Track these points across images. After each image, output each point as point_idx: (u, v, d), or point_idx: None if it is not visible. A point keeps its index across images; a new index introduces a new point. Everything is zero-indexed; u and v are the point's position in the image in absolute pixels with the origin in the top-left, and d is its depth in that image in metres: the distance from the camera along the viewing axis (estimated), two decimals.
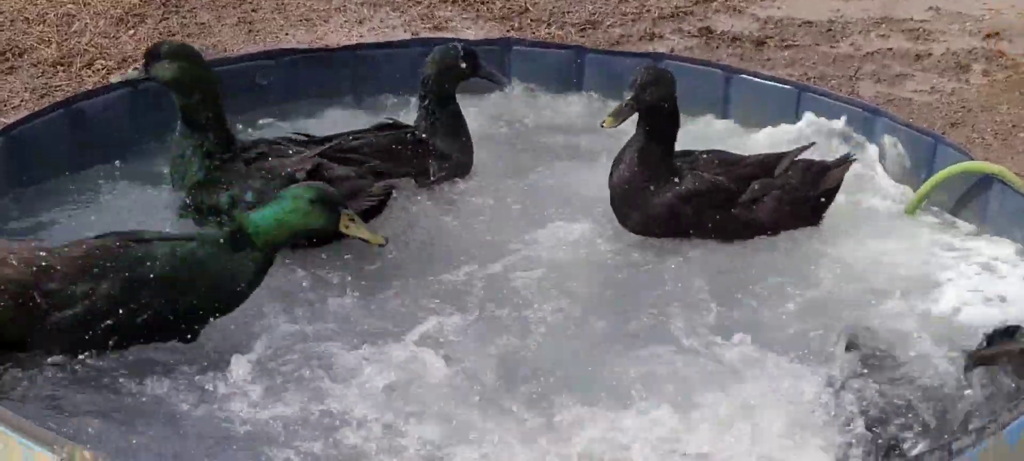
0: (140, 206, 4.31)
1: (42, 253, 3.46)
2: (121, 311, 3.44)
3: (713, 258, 4.19)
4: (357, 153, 4.28)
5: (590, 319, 3.88)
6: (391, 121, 4.56)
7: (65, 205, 4.37)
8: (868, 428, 3.26)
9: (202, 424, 3.35)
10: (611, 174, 4.24)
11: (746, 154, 4.35)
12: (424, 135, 4.49)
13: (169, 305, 3.49)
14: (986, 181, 4.37)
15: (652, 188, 4.15)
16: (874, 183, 4.61)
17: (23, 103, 5.58)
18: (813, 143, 4.43)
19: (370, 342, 3.67)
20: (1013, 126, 5.61)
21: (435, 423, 3.37)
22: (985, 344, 3.54)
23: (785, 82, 4.98)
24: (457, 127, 4.55)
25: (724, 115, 4.94)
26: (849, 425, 3.30)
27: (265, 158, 4.20)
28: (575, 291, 4.00)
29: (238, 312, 3.69)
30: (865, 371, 3.43)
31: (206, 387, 3.46)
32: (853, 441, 3.26)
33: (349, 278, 3.99)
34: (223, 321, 3.66)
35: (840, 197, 4.35)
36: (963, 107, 5.79)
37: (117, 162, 4.56)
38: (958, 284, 4.04)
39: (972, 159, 4.42)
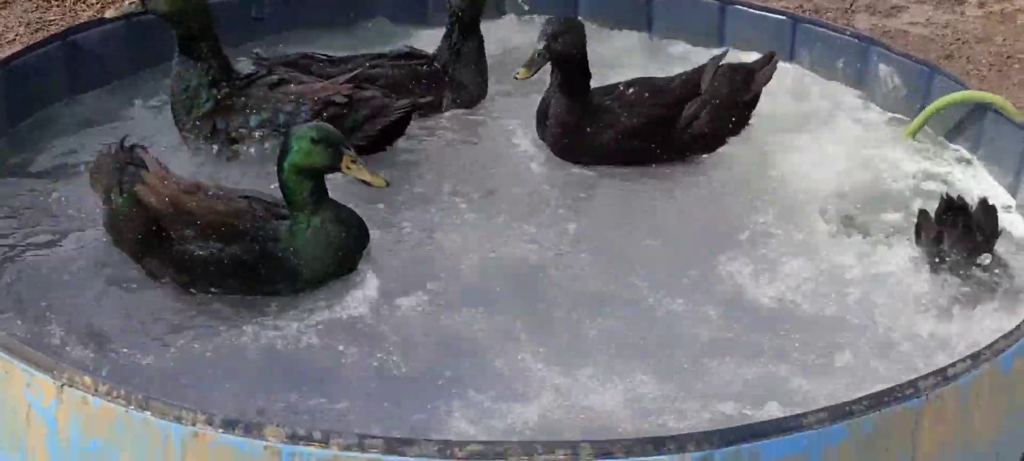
0: (139, 137, 4.31)
1: (190, 196, 3.62)
2: (238, 272, 3.58)
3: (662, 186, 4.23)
4: (373, 84, 4.30)
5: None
6: (408, 49, 4.56)
7: (62, 136, 4.37)
8: None
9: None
10: (543, 133, 4.30)
11: (667, 76, 4.37)
12: (442, 65, 4.49)
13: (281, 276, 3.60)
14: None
15: (590, 131, 4.19)
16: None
17: (17, 38, 5.58)
18: (726, 50, 4.46)
19: None
20: (1008, 57, 5.63)
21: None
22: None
23: (780, 13, 4.97)
24: (478, 58, 4.55)
25: (721, 44, 4.93)
26: None
27: (287, 83, 4.22)
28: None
29: None
30: None
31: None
32: None
33: None
34: None
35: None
36: (958, 39, 5.81)
37: (114, 93, 4.58)
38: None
39: (967, 88, 4.43)
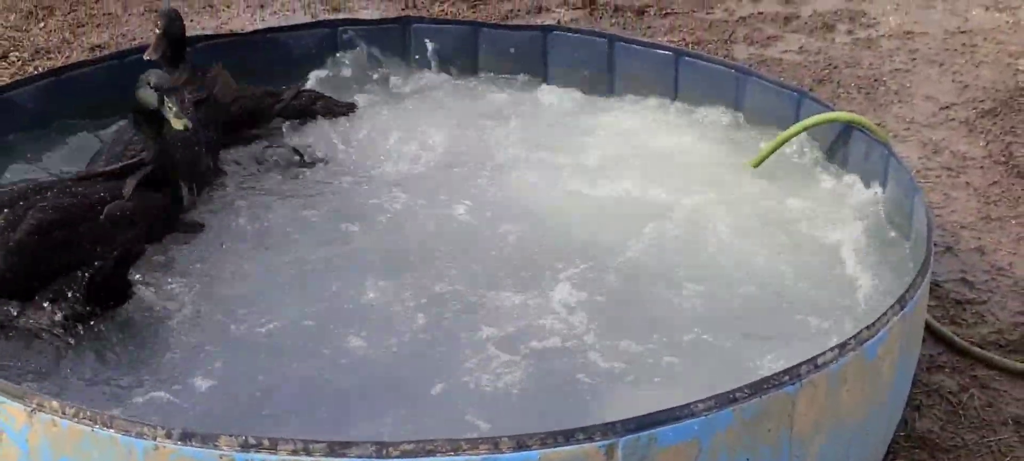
0: None
1: None
2: None
3: None
4: None
5: None
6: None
7: None
8: None
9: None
10: None
11: None
12: None
13: None
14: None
15: None
16: None
17: None
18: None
19: None
20: (874, 80, 6.09)
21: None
22: None
23: (663, 48, 5.35)
24: None
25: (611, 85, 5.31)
26: None
27: None
28: None
29: None
30: None
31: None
32: None
33: None
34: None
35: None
36: (829, 65, 6.25)
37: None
38: None
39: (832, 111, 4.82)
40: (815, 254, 4.26)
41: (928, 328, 4.31)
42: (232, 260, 4.13)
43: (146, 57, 4.74)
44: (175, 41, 4.85)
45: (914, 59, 6.29)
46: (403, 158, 4.76)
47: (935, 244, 4.64)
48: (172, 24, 4.84)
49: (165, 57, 4.80)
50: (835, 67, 6.22)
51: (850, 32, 6.61)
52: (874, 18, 6.75)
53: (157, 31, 4.81)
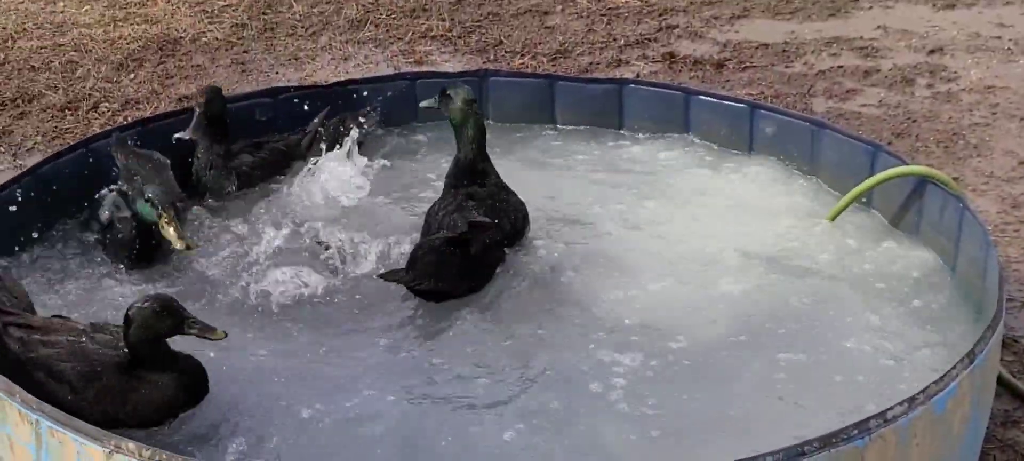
0: None
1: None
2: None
3: None
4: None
5: None
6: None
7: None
8: None
9: None
10: None
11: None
12: None
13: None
14: None
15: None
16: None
17: (36, 146, 6.00)
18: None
19: None
20: (953, 134, 6.07)
21: None
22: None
23: (739, 100, 5.39)
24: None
25: (685, 131, 5.36)
26: None
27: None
28: None
29: None
30: None
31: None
32: None
33: None
34: None
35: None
36: (908, 118, 6.25)
37: None
38: None
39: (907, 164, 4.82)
40: (888, 308, 4.26)
41: (1003, 383, 4.29)
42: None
43: (185, 137, 4.86)
44: (215, 118, 4.96)
45: (995, 113, 6.27)
46: None
47: (1012, 299, 4.64)
48: (213, 103, 4.95)
49: (206, 133, 4.93)
50: (914, 121, 6.21)
51: (930, 86, 6.59)
52: (955, 72, 6.73)
53: (198, 109, 4.91)
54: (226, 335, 3.79)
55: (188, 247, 4.31)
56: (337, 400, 3.83)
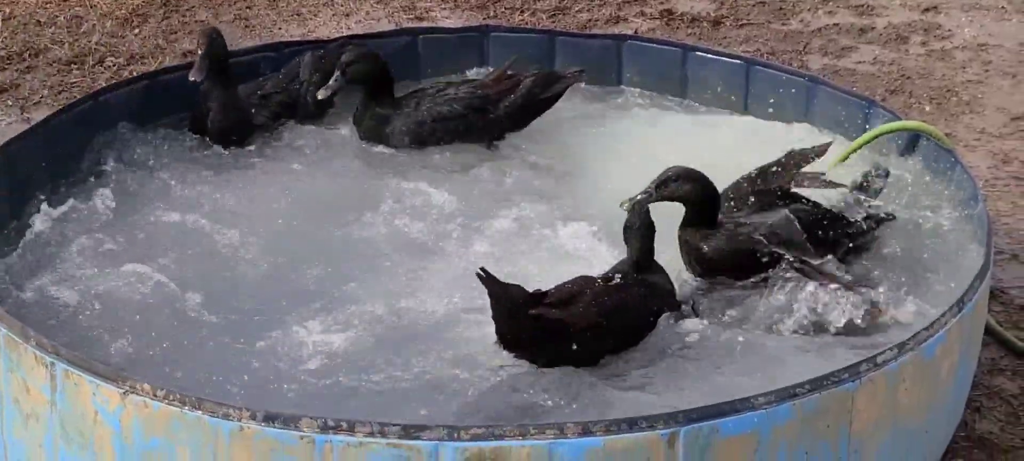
0: None
1: None
2: None
3: None
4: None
5: None
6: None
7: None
8: None
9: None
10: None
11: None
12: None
13: None
14: None
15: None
16: None
17: (43, 100, 6.09)
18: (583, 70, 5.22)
19: None
20: (946, 91, 6.17)
21: None
22: None
23: (735, 57, 5.48)
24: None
25: (683, 90, 5.44)
26: None
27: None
28: None
29: None
30: None
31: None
32: None
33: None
34: None
35: None
36: (902, 75, 6.34)
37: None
38: None
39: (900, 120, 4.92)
40: (878, 263, 4.35)
41: (991, 332, 4.41)
42: None
43: (191, 78, 4.93)
44: (218, 60, 5.03)
45: (987, 71, 6.36)
46: None
47: (1002, 252, 4.75)
48: (214, 44, 5.01)
49: (212, 77, 4.99)
50: (908, 78, 6.30)
51: (924, 44, 6.68)
52: (949, 30, 6.82)
53: (200, 52, 4.99)
54: None
55: None
56: None
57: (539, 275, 4.14)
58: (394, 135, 5.03)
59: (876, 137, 4.78)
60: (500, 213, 4.60)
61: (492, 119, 5.04)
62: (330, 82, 5.00)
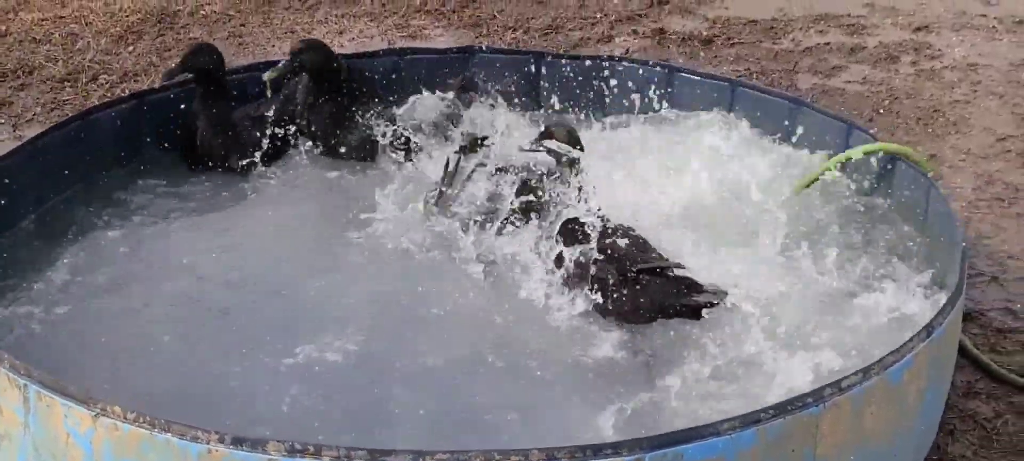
0: None
1: None
2: None
3: None
4: None
5: None
6: None
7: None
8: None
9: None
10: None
11: None
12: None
13: None
14: None
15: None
16: None
17: (35, 117, 6.14)
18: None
19: None
20: (934, 111, 6.19)
21: None
22: None
23: (719, 78, 5.50)
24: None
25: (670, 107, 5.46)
26: None
27: None
28: None
29: None
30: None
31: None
32: None
33: None
34: None
35: None
36: (890, 95, 6.36)
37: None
38: None
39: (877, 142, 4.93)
40: (853, 281, 4.37)
41: (967, 355, 4.42)
42: None
43: (157, 83, 4.97)
44: (205, 74, 5.06)
45: (976, 91, 6.39)
46: None
47: (982, 274, 4.78)
48: (196, 57, 5.05)
49: (201, 94, 5.05)
50: (896, 98, 6.33)
51: (914, 63, 6.71)
52: (939, 50, 6.84)
53: (178, 60, 5.04)
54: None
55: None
56: None
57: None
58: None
59: (852, 159, 4.80)
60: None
61: None
62: (279, 65, 5.03)
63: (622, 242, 4.25)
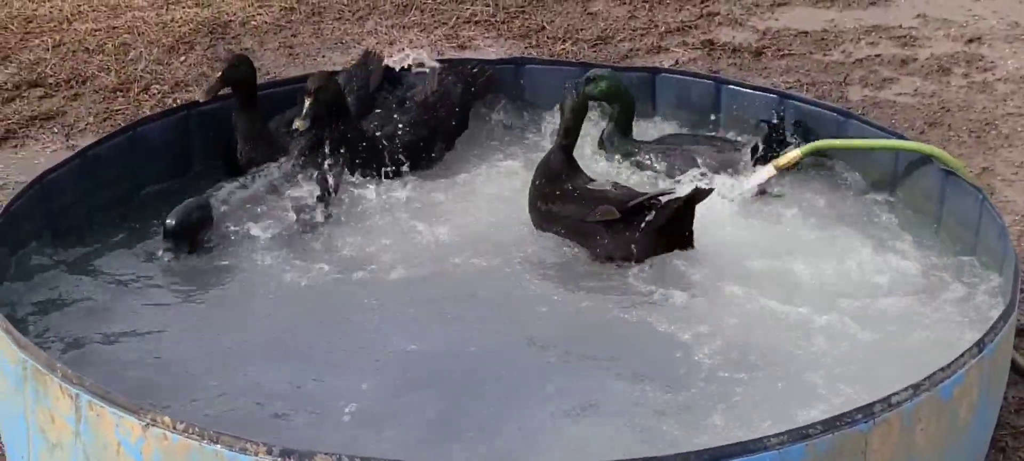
0: None
1: None
2: None
3: None
4: None
5: None
6: None
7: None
8: None
9: None
10: None
11: None
12: None
13: None
14: None
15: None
16: None
17: (88, 127, 6.20)
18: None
19: None
20: (986, 123, 6.14)
21: None
22: None
23: (769, 90, 5.48)
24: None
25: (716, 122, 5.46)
26: None
27: None
28: None
29: None
30: None
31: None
32: None
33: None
34: None
35: None
36: (942, 107, 6.32)
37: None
38: None
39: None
40: (905, 295, 4.35)
41: (1019, 371, 4.39)
42: None
43: (200, 98, 5.03)
44: (239, 85, 5.06)
45: None
46: None
47: None
48: (233, 69, 5.06)
49: (239, 106, 5.06)
50: (948, 110, 6.28)
51: (966, 75, 6.65)
52: (991, 62, 6.79)
53: (217, 75, 5.05)
54: None
55: None
56: None
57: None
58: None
59: (883, 148, 4.85)
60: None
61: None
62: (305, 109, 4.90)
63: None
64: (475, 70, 5.52)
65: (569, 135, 4.79)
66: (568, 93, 4.88)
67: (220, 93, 5.10)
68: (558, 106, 4.86)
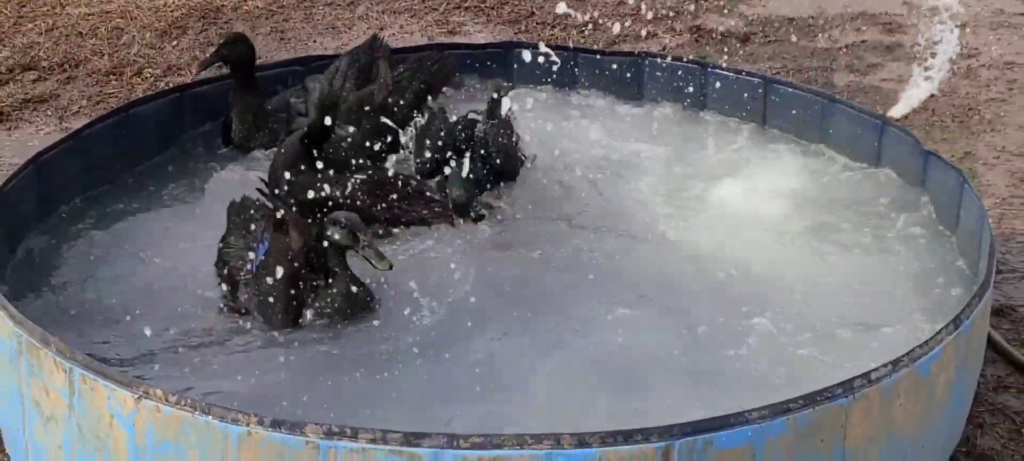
0: None
1: None
2: None
3: None
4: None
5: None
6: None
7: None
8: None
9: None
10: None
11: None
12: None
13: None
14: None
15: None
16: None
17: (81, 110, 6.25)
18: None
19: None
20: (969, 109, 6.21)
21: None
22: None
23: (753, 75, 5.55)
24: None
25: (703, 106, 5.52)
26: None
27: None
28: None
29: None
30: None
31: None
32: None
33: None
34: None
35: None
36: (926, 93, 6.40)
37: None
38: None
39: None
40: (883, 275, 4.41)
41: (998, 349, 4.46)
42: None
43: (193, 73, 5.04)
44: (236, 64, 5.13)
45: (1011, 89, 6.40)
46: None
47: (1015, 270, 4.80)
48: (231, 48, 5.12)
49: (235, 85, 5.12)
50: (932, 96, 6.35)
51: (951, 61, 6.72)
52: (976, 48, 6.86)
53: (212, 50, 5.11)
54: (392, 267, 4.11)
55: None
56: None
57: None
58: None
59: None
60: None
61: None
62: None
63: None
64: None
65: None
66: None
67: (217, 75, 5.16)
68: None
